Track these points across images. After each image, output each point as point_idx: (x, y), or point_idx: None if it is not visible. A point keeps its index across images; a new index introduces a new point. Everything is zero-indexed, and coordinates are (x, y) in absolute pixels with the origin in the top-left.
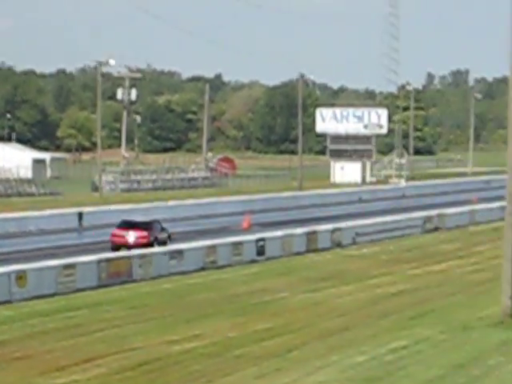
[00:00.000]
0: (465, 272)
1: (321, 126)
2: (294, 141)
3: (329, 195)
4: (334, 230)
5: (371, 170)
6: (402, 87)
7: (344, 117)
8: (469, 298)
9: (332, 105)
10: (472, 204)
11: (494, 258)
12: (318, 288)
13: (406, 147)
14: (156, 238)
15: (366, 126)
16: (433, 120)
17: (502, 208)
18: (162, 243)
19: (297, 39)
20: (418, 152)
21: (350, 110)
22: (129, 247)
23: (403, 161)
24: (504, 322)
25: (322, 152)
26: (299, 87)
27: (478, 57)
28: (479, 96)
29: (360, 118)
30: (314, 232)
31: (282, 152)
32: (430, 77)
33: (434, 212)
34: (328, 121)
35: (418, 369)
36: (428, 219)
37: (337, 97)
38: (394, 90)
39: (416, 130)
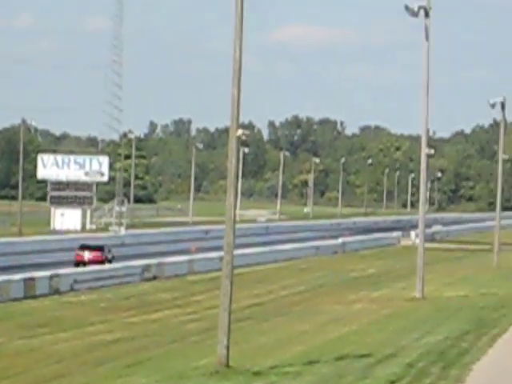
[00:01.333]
0: (182, 321)
1: (42, 172)
2: (15, 186)
3: (47, 242)
4: (52, 277)
5: (91, 217)
6: (124, 135)
7: (65, 163)
8: (185, 348)
9: (54, 151)
10: (191, 253)
11: (211, 308)
12: (35, 334)
13: (126, 195)
14: (106, 258)
15: (87, 173)
16: (154, 168)
17: (221, 258)
18: (109, 261)
19: (19, 85)
20: (139, 200)
21: (72, 157)
22: (85, 264)
23: (123, 209)
24: (219, 371)
25: (43, 198)
26: (21, 133)
27: (200, 107)
28: (201, 146)
29: (81, 165)
30: (32, 278)
31: (2, 197)
32: (153, 125)
33: (152, 261)
34: (49, 167)
35: None
36: (147, 268)
37: (59, 143)
38: (116, 137)
39: (137, 178)
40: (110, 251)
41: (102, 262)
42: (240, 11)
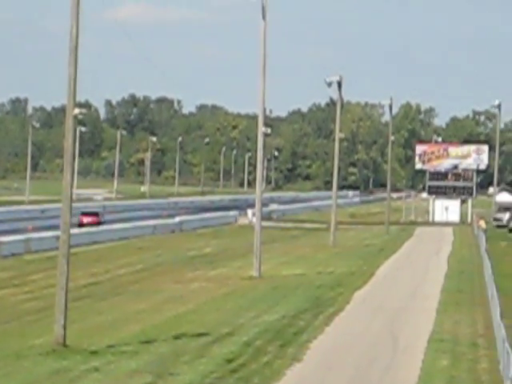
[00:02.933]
0: (19, 300)
1: None
2: None
3: None
4: None
5: None
6: None
7: None
8: (21, 327)
9: None
10: (27, 232)
11: (48, 287)
12: None
13: None
14: (100, 221)
15: None
16: None
17: (57, 237)
18: (102, 224)
19: None
20: None
21: None
22: (84, 226)
23: None
24: (56, 350)
25: None
26: None
27: (37, 86)
28: (37, 124)
29: None
30: None
31: None
32: None
33: None
34: None
35: None
36: None
37: None
38: None
39: None
40: (103, 215)
41: (98, 224)
42: None
